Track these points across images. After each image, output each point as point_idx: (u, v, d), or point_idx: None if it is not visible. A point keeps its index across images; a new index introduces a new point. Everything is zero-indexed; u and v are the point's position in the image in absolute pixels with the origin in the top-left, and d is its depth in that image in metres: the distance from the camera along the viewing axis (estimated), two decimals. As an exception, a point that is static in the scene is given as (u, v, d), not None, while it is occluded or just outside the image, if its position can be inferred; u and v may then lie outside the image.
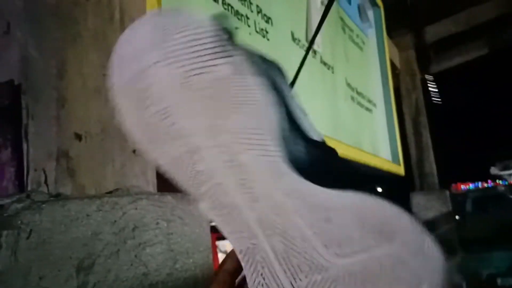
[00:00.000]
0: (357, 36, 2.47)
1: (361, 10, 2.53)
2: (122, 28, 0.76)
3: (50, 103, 0.68)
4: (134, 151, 0.73)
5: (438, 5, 3.49)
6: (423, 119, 3.52)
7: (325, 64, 1.97)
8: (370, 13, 2.75)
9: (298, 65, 1.70)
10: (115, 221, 0.60)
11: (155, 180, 0.75)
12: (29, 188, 0.61)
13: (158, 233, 0.64)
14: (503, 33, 3.94)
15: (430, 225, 3.49)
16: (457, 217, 4.86)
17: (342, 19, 2.26)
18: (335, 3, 2.19)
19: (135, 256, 0.61)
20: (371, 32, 2.76)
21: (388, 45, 3.09)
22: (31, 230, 0.49)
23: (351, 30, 2.38)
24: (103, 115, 0.71)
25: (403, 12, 3.41)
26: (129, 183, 0.71)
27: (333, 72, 2.04)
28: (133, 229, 0.62)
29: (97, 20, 0.74)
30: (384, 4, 2.92)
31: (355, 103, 2.28)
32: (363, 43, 2.60)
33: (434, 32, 3.56)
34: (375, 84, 2.74)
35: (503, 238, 4.54)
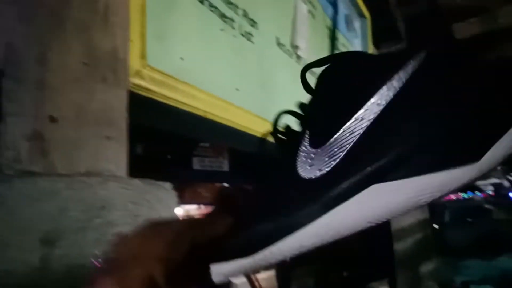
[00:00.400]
0: (343, 45, 2.52)
1: (347, 20, 2.58)
2: (106, 20, 0.79)
3: (29, 87, 0.70)
4: (107, 137, 0.75)
5: (424, 19, 3.55)
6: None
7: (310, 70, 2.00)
8: (357, 24, 2.80)
9: (283, 70, 1.74)
10: (83, 199, 0.62)
11: (127, 168, 0.78)
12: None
13: (125, 215, 0.67)
14: (488, 52, 4.02)
15: (407, 232, 3.54)
16: (435, 225, 4.92)
17: (328, 28, 2.30)
18: (322, 12, 2.24)
19: (101, 234, 0.63)
20: (357, 42, 2.81)
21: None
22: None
23: (337, 39, 2.42)
24: (80, 102, 0.74)
25: (391, 24, 3.47)
26: (101, 167, 0.74)
27: (317, 78, 2.07)
28: (101, 209, 0.64)
29: (81, 12, 0.77)
30: (372, 16, 2.97)
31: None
32: (349, 52, 2.64)
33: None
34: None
35: (478, 247, 4.61)
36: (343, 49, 2.51)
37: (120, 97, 0.79)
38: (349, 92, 0.32)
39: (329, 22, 2.32)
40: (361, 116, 0.29)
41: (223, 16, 1.34)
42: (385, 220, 0.28)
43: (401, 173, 0.27)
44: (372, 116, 0.29)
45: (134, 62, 0.85)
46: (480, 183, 3.59)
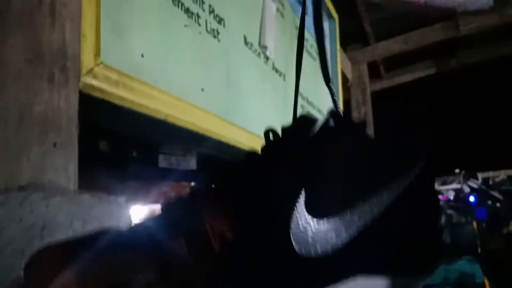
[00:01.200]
0: (311, 46, 2.50)
1: (316, 21, 2.56)
2: (52, 12, 0.71)
3: (-40, 85, 0.62)
4: (55, 144, 0.68)
5: (391, 23, 3.60)
6: (371, 132, 3.60)
7: (277, 71, 1.97)
8: (326, 24, 2.79)
9: (250, 70, 1.69)
10: (21, 218, 0.55)
11: (77, 178, 0.70)
12: None
13: (71, 234, 0.59)
14: (452, 56, 4.14)
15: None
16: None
17: (296, 28, 2.27)
18: (291, 11, 2.21)
19: (42, 257, 0.56)
20: (326, 43, 2.80)
21: (341, 58, 3.15)
22: None
23: (306, 40, 2.40)
24: (22, 103, 0.66)
25: (358, 27, 3.50)
26: (47, 178, 0.66)
27: (284, 80, 2.05)
28: (42, 228, 0.57)
29: (24, 1, 0.69)
30: (339, 17, 2.97)
31: (304, 112, 2.29)
32: (317, 53, 2.63)
33: (386, 48, 3.67)
34: (325, 94, 2.77)
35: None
36: (312, 50, 2.49)
37: (69, 99, 0.71)
38: (355, 175, 0.31)
39: (298, 22, 2.29)
40: (363, 210, 0.29)
41: (188, 11, 1.27)
42: None
43: (385, 272, 0.29)
44: (371, 214, 0.29)
45: (86, 59, 0.77)
46: (441, 188, 3.70)
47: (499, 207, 3.43)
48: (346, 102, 3.54)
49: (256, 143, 1.64)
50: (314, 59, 2.51)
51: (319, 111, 2.55)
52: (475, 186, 3.47)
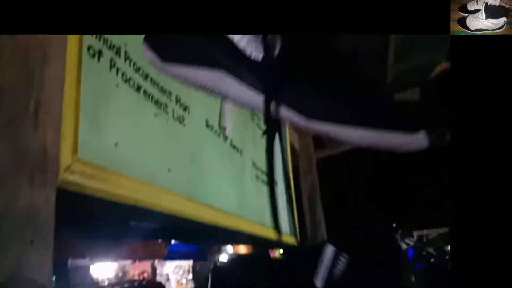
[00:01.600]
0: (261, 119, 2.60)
1: (268, 102, 2.69)
2: (36, 119, 0.72)
3: None
4: (32, 242, 0.66)
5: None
6: (317, 197, 3.70)
7: (234, 147, 2.02)
8: (276, 104, 2.93)
9: (211, 148, 1.72)
10: (-2, 323, 0.53)
11: (51, 273, 0.68)
12: None
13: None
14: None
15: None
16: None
17: (252, 108, 2.38)
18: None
19: None
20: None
21: (290, 131, 3.29)
22: None
23: (259, 119, 2.50)
24: (3, 203, 0.65)
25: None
26: (23, 276, 0.64)
27: (241, 155, 2.10)
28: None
29: (10, 109, 0.70)
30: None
31: (259, 181, 2.34)
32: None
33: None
34: (277, 165, 2.84)
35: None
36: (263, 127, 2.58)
37: (48, 197, 0.71)
38: None
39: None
40: None
41: (157, 102, 1.32)
42: None
43: None
44: None
45: (64, 157, 0.78)
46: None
47: (434, 262, 3.55)
48: (295, 169, 3.64)
49: (215, 216, 1.64)
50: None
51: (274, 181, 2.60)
52: (411, 243, 3.58)
